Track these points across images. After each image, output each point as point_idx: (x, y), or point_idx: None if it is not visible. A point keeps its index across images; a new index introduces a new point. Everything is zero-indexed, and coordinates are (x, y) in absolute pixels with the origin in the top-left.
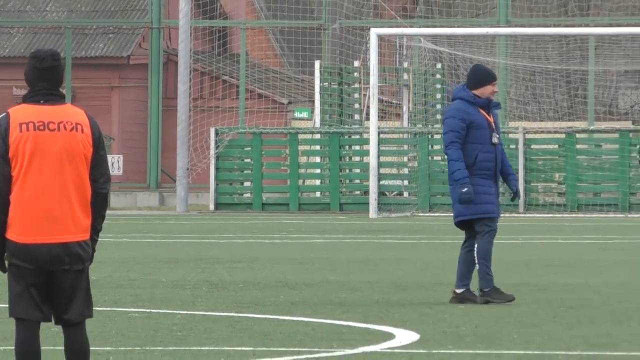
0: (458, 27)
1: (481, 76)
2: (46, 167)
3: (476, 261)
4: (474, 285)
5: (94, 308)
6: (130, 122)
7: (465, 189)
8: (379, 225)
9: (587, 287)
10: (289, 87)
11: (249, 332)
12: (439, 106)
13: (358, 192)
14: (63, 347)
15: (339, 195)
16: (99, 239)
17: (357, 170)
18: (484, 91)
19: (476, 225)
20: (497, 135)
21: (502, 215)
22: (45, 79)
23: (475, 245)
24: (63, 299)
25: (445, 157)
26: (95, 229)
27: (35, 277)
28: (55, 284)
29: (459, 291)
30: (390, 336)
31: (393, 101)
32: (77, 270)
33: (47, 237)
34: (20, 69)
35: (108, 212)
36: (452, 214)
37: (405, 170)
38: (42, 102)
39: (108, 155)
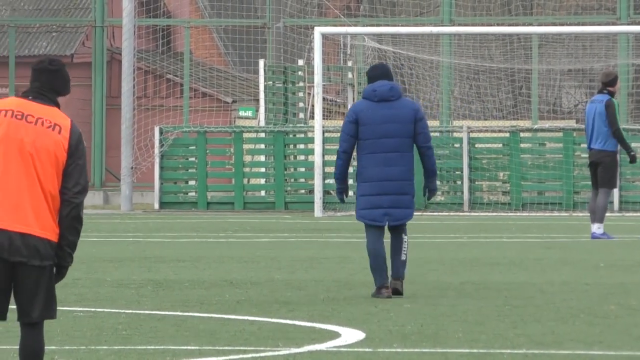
0: (402, 26)
1: None
2: (13, 155)
3: (406, 256)
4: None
5: None
6: (75, 120)
7: None
8: (324, 224)
9: (532, 285)
10: (233, 85)
11: (194, 331)
12: None
13: (303, 191)
14: (18, 346)
15: (284, 194)
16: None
17: (302, 169)
18: None
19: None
20: None
21: (447, 213)
22: (38, 80)
23: (407, 238)
24: (24, 296)
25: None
26: (68, 241)
27: None
28: (18, 280)
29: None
30: (336, 335)
31: (337, 100)
32: (38, 268)
33: (6, 224)
34: None
35: None
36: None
37: (350, 169)
38: (30, 97)
39: None
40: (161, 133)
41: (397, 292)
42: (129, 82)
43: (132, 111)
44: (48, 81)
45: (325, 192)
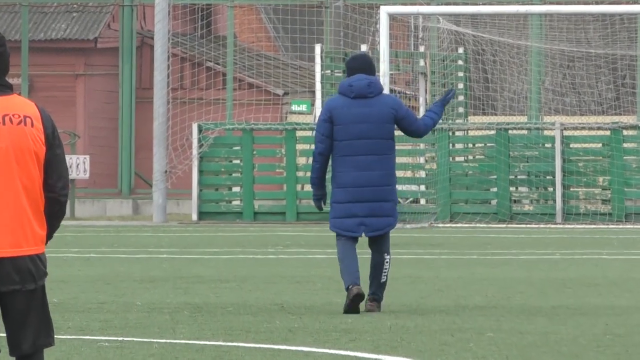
0: (483, 4)
1: None
2: None
3: (386, 278)
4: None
5: (56, 336)
6: (98, 116)
7: None
8: (391, 238)
9: (637, 310)
10: (285, 75)
11: None
12: (461, 97)
13: None
14: None
15: None
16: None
17: None
18: None
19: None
20: None
21: (537, 225)
22: None
23: (390, 257)
24: (13, 326)
25: (469, 158)
26: (49, 237)
27: None
28: (4, 308)
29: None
30: None
31: (407, 92)
32: (29, 291)
33: None
34: None
35: (73, 222)
36: (474, 225)
37: (422, 174)
38: None
39: (72, 156)
40: (200, 131)
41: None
42: (163, 71)
43: (166, 105)
44: None
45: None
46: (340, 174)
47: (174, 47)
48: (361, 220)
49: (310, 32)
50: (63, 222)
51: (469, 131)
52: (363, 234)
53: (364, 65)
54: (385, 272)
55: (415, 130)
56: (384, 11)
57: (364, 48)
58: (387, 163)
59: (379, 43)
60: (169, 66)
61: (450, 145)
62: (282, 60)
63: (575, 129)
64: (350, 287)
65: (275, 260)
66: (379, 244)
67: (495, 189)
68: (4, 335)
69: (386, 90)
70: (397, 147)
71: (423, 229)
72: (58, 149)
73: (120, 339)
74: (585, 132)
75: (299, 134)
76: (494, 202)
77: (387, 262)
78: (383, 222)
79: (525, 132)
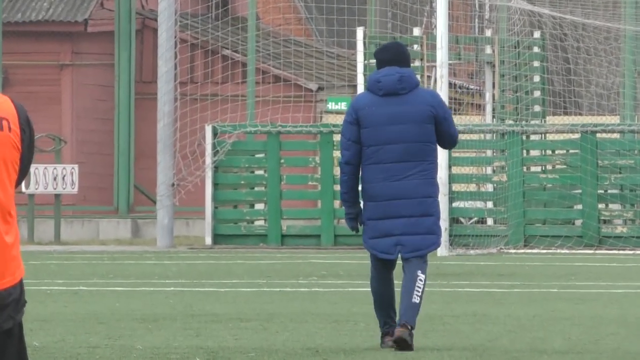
0: None
1: None
2: None
3: (420, 299)
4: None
5: None
6: (89, 116)
7: None
8: (450, 267)
9: None
10: (320, 66)
11: None
12: (537, 93)
13: None
14: None
15: None
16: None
17: None
18: None
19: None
20: None
21: (632, 251)
22: None
23: (425, 277)
24: None
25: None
26: None
27: None
28: None
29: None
30: None
31: (471, 86)
32: (3, 332)
33: None
34: None
35: (58, 247)
36: (554, 251)
37: (490, 187)
38: None
39: (57, 166)
40: (215, 134)
41: (404, 344)
42: (169, 60)
43: (173, 103)
44: None
45: (454, 221)
46: (371, 186)
47: (183, 30)
48: (397, 239)
49: (351, 13)
50: (45, 248)
51: (547, 135)
52: (399, 256)
53: (396, 56)
54: (418, 291)
55: (454, 133)
56: None
57: (416, 32)
58: (425, 170)
59: (435, 26)
60: (176, 54)
61: (524, 152)
62: (316, 47)
63: None
64: (386, 336)
65: (307, 295)
66: (414, 265)
67: (579, 207)
68: None
69: (444, 84)
70: (457, 155)
71: (491, 255)
72: (32, 154)
73: None
74: None
75: (336, 138)
76: (578, 222)
77: (420, 280)
78: (424, 241)
79: (617, 135)
